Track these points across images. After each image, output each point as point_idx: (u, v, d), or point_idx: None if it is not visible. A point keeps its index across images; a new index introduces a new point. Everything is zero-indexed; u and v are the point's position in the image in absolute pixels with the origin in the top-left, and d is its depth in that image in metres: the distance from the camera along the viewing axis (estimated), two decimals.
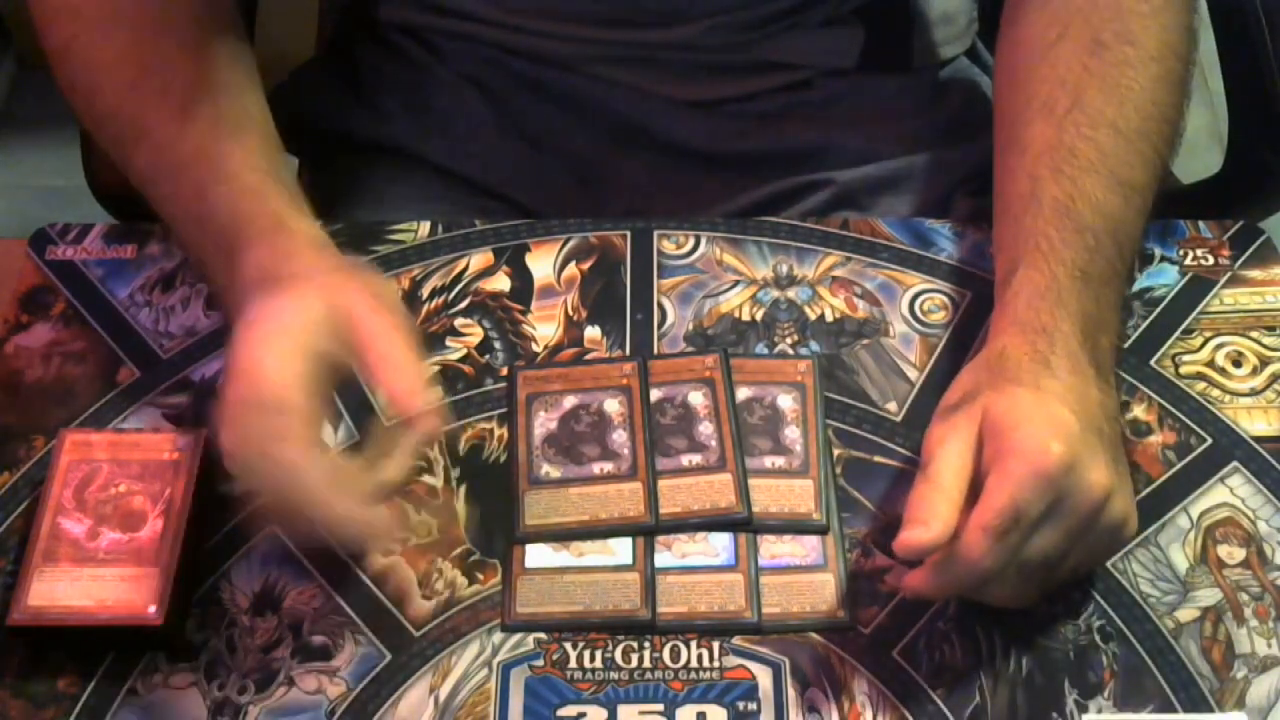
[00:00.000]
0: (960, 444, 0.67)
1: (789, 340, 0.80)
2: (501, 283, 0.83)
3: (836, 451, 0.76)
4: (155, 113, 0.75)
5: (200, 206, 0.73)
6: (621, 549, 0.72)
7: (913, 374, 0.79)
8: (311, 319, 0.67)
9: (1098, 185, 0.74)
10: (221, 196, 0.72)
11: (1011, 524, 0.63)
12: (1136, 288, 0.82)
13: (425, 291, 0.83)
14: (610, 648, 0.69)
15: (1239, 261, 0.83)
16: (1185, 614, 0.70)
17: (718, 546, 0.72)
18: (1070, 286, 0.72)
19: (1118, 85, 0.77)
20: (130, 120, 0.75)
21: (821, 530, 0.73)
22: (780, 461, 0.75)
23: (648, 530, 0.73)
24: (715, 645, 0.69)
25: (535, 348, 0.80)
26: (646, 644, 0.69)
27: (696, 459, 0.75)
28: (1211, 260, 0.84)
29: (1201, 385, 0.78)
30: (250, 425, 0.65)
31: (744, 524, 0.73)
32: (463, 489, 0.75)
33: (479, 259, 0.84)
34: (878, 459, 0.76)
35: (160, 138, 0.74)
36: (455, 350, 0.80)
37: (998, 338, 0.72)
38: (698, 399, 0.77)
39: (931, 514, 0.64)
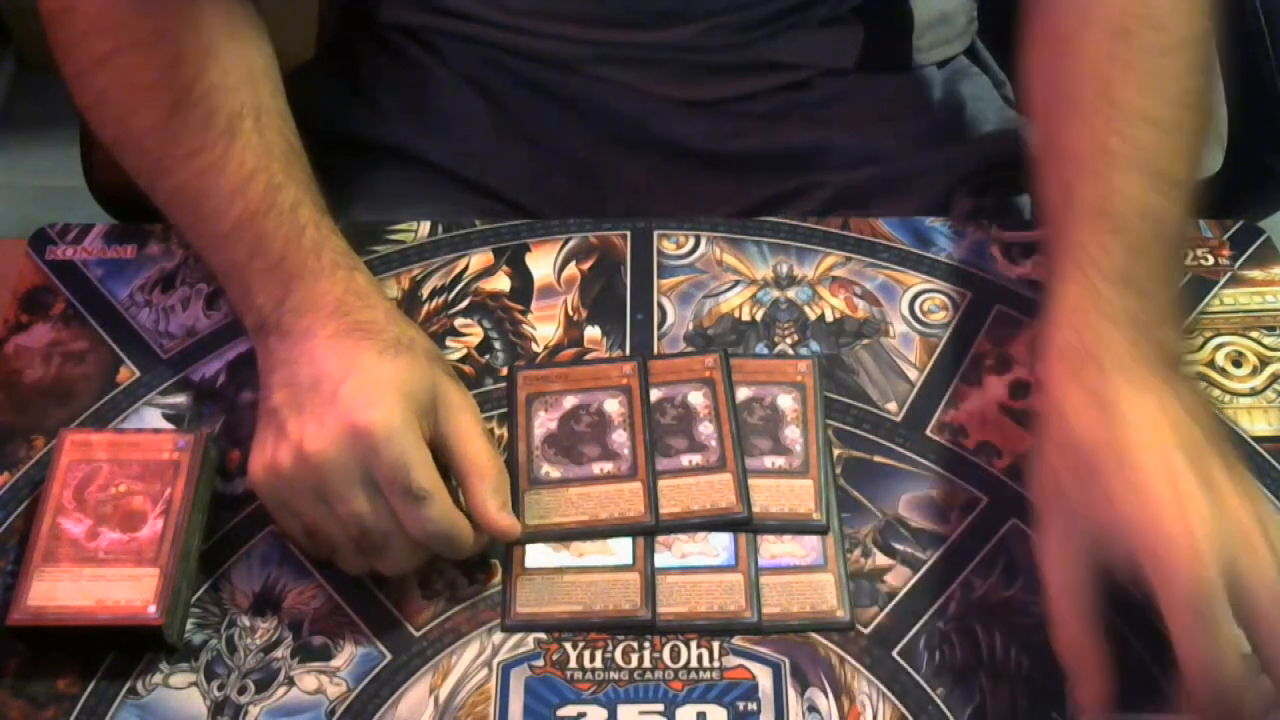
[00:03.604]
0: (1075, 572, 0.64)
1: (789, 340, 0.80)
2: (501, 283, 0.83)
3: (836, 451, 0.76)
4: (202, 135, 0.75)
5: (253, 228, 0.74)
6: (621, 549, 0.72)
7: (913, 374, 0.79)
8: (424, 395, 0.70)
9: (1135, 183, 0.71)
10: (281, 223, 0.74)
11: (1229, 682, 0.59)
12: None
13: (425, 291, 0.83)
14: (610, 648, 0.69)
15: (1239, 261, 0.83)
16: None
17: (718, 546, 0.72)
18: (1111, 294, 0.68)
19: (1148, 75, 0.74)
20: (174, 139, 0.76)
21: (821, 530, 0.73)
22: (780, 461, 0.75)
23: (648, 530, 0.73)
24: (715, 645, 0.69)
25: (535, 348, 0.80)
26: (646, 644, 0.70)
27: (696, 459, 0.75)
28: (1211, 260, 0.84)
29: (1201, 385, 0.78)
30: (358, 454, 0.67)
31: (744, 524, 0.73)
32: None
33: (479, 259, 0.84)
34: (878, 459, 0.76)
35: (208, 160, 0.75)
36: (455, 350, 0.80)
37: (1049, 376, 0.68)
38: (698, 399, 0.77)
39: (1083, 669, 0.63)
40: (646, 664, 0.69)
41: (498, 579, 0.72)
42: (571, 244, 0.85)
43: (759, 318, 0.81)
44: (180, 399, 0.78)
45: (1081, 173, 0.72)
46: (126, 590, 0.68)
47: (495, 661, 0.69)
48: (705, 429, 0.76)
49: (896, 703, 0.68)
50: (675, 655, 0.69)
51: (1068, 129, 0.74)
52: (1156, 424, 0.64)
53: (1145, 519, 0.61)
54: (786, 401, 0.77)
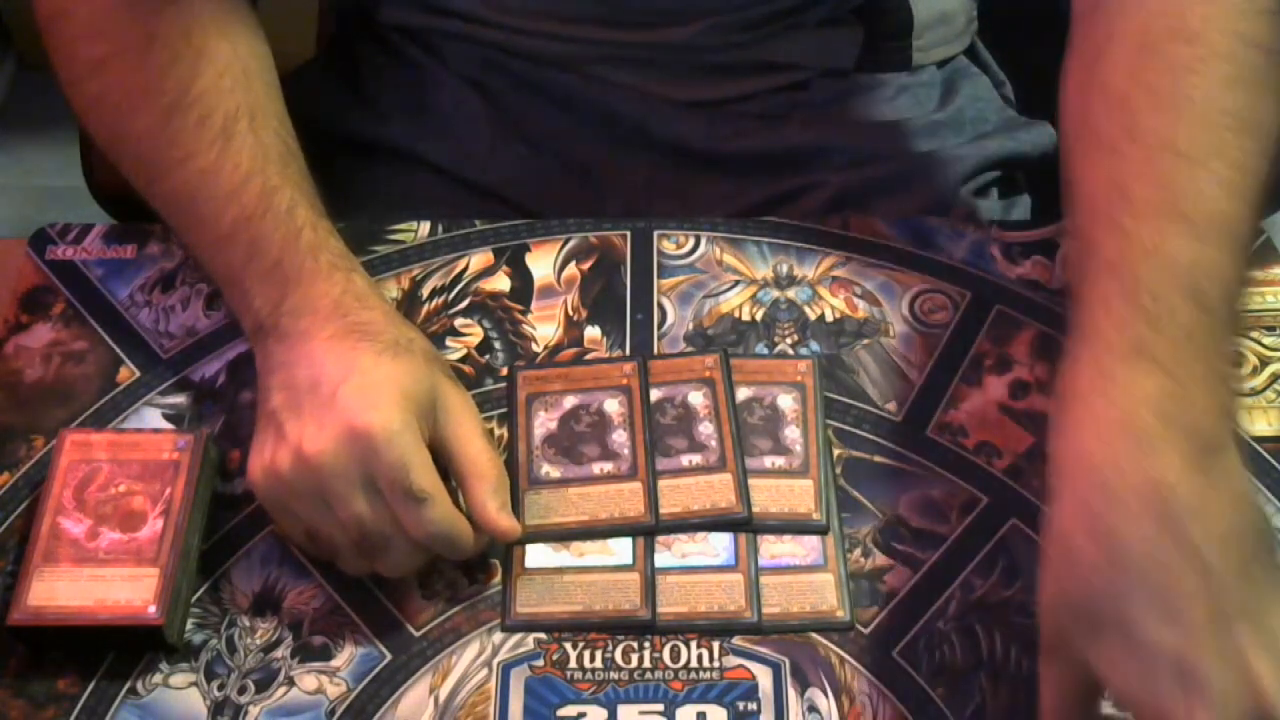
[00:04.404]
0: (1071, 703, 0.60)
1: (789, 340, 0.80)
2: (501, 283, 0.83)
3: (836, 451, 0.76)
4: (197, 138, 0.75)
5: (249, 231, 0.74)
6: (621, 549, 0.72)
7: (913, 374, 0.79)
8: (424, 396, 0.69)
9: (1157, 230, 0.62)
10: (277, 226, 0.73)
11: None
12: None
13: (425, 291, 0.83)
14: (610, 648, 0.69)
15: None
16: None
17: (718, 546, 0.72)
18: (1125, 377, 0.59)
19: (1173, 97, 0.65)
20: (169, 143, 0.76)
21: (821, 530, 0.73)
22: (780, 461, 0.75)
23: (648, 530, 0.73)
24: (715, 645, 0.69)
25: (535, 348, 0.80)
26: (646, 644, 0.69)
27: (696, 459, 0.75)
28: None
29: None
30: (358, 456, 0.66)
31: (744, 524, 0.73)
32: None
33: (479, 259, 0.84)
34: (878, 459, 0.76)
35: (204, 163, 0.75)
36: (455, 350, 0.80)
37: (1056, 490, 0.60)
38: (698, 399, 0.77)
39: None
40: (646, 664, 0.69)
41: (498, 579, 0.72)
42: (571, 244, 0.85)
43: (759, 318, 0.81)
44: (180, 399, 0.78)
45: (1098, 223, 0.64)
46: (126, 590, 0.68)
47: (495, 661, 0.69)
48: (705, 429, 0.76)
49: (896, 703, 0.68)
50: (675, 655, 0.69)
51: (1088, 168, 0.66)
52: (1171, 581, 0.56)
53: (1153, 710, 0.56)
54: (786, 401, 0.77)
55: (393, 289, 0.82)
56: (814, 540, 0.72)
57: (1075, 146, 0.68)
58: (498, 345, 0.81)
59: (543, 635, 0.70)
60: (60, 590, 0.68)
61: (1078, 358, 0.61)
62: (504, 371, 0.79)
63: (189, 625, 0.70)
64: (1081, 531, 0.58)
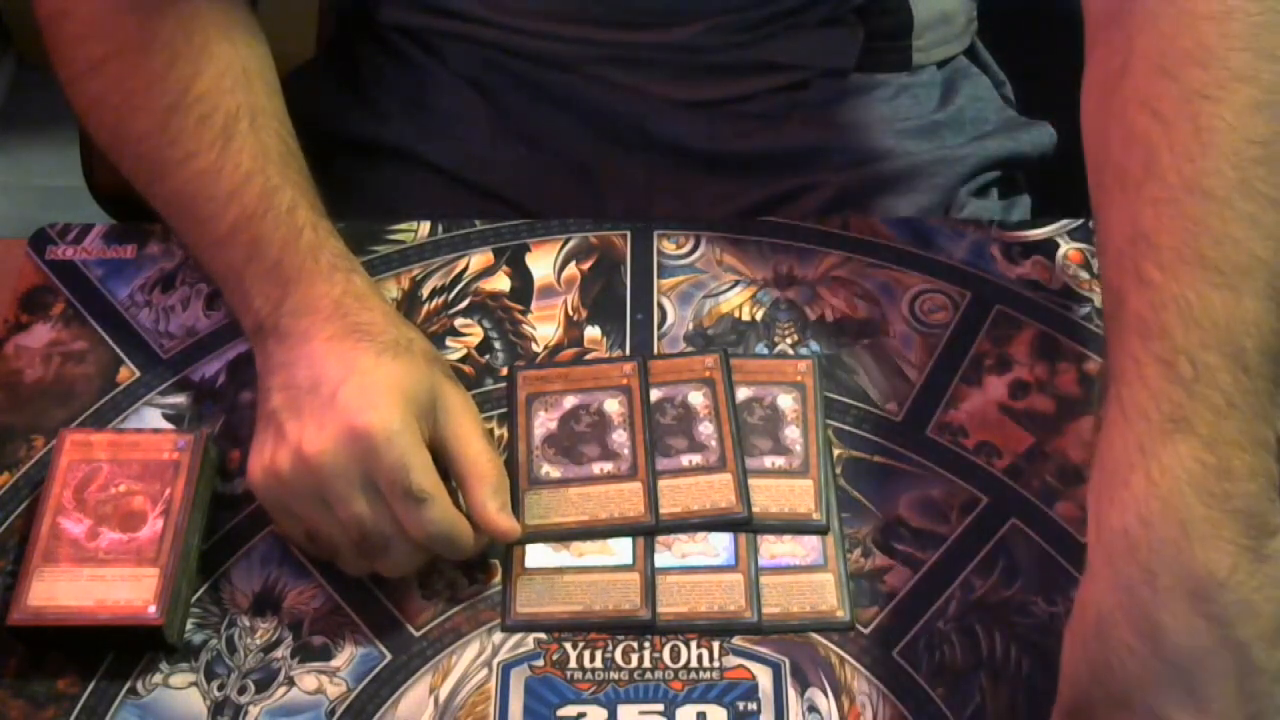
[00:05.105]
0: None
1: (789, 340, 0.80)
2: (501, 283, 0.83)
3: (836, 451, 0.76)
4: (198, 138, 0.75)
5: (250, 231, 0.74)
6: (621, 549, 0.72)
7: (913, 374, 0.79)
8: (424, 396, 0.70)
9: (1190, 283, 0.57)
10: (278, 226, 0.74)
11: None
12: None
13: (425, 291, 0.83)
14: (610, 648, 0.69)
15: None
16: None
17: (718, 546, 0.72)
18: (1163, 452, 0.55)
19: (1195, 129, 0.59)
20: (170, 143, 0.76)
21: (821, 530, 0.73)
22: (780, 461, 0.75)
23: (648, 530, 0.73)
24: (715, 645, 0.69)
25: (535, 348, 0.80)
26: (646, 644, 0.70)
27: (696, 459, 0.75)
28: None
29: None
30: (358, 456, 0.67)
31: (744, 524, 0.73)
32: None
33: (479, 259, 0.84)
34: (878, 459, 0.76)
35: (204, 163, 0.75)
36: (455, 350, 0.80)
37: (1092, 566, 0.58)
38: (698, 399, 0.77)
39: None
40: (646, 664, 0.69)
41: (498, 579, 0.72)
42: (571, 244, 0.85)
43: (759, 318, 0.81)
44: (180, 399, 0.78)
45: (1125, 274, 0.59)
46: (126, 590, 0.68)
47: (495, 661, 0.69)
48: (705, 429, 0.76)
49: (896, 703, 0.68)
50: (675, 655, 0.69)
51: (1109, 210, 0.62)
52: (1211, 679, 0.55)
53: None
54: (786, 401, 0.77)
55: (393, 289, 0.82)
56: (814, 540, 0.73)
57: (1096, 182, 0.64)
58: (498, 345, 0.81)
59: (543, 635, 0.70)
60: (60, 590, 0.68)
61: (1111, 425, 0.58)
62: (504, 371, 0.79)
63: (189, 625, 0.70)
64: (1122, 614, 0.56)
